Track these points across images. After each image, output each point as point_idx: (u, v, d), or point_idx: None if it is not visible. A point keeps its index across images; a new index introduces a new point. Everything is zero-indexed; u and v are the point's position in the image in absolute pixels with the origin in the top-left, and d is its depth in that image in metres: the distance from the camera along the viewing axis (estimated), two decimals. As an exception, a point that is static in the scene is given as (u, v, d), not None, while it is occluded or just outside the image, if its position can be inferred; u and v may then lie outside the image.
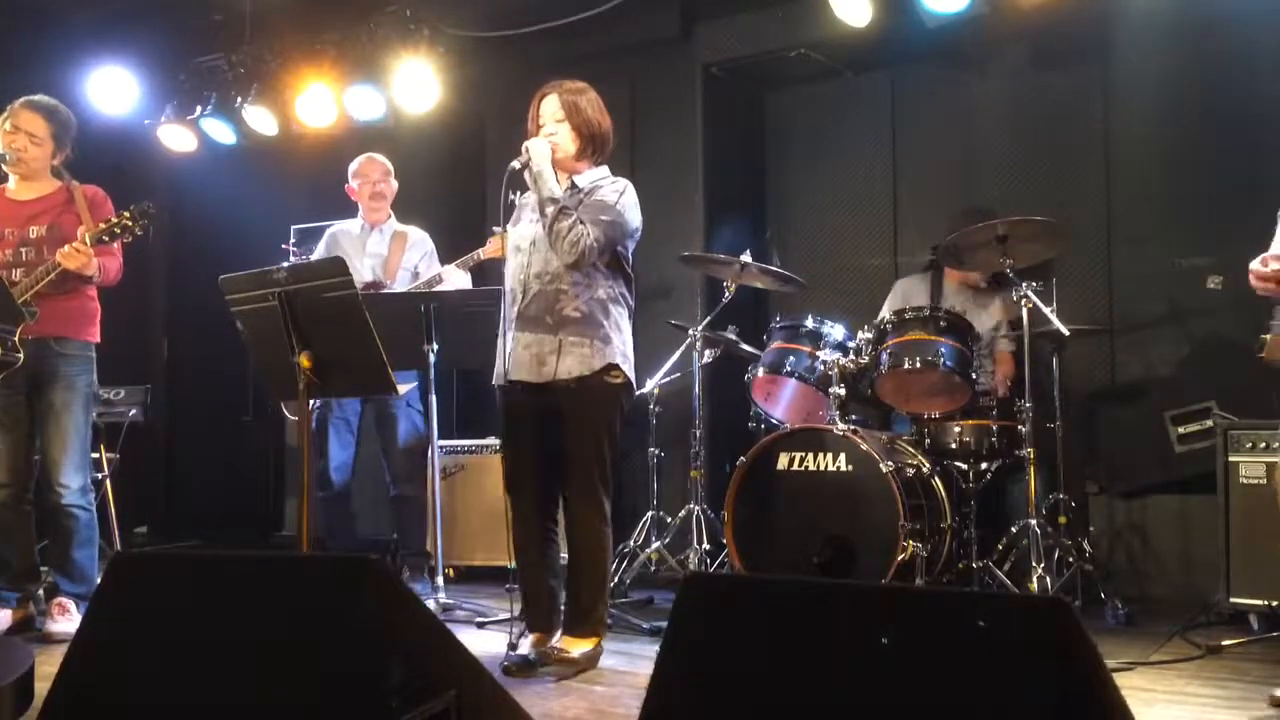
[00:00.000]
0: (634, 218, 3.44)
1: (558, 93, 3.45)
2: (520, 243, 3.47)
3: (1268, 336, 2.74)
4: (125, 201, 4.17)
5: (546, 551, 3.47)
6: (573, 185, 3.46)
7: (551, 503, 3.49)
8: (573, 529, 3.41)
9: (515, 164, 3.38)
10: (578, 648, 3.35)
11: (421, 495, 4.79)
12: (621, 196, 3.41)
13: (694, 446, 4.71)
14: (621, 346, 3.41)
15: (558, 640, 3.40)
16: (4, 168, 4.12)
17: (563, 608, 3.47)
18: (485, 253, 4.54)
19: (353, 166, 5.01)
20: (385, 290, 4.72)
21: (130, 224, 3.90)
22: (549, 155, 3.39)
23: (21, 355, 3.88)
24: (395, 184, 5.03)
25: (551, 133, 3.42)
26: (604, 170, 3.54)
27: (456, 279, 4.65)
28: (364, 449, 4.98)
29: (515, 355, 3.38)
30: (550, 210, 3.30)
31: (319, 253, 4.97)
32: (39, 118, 4.11)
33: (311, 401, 4.78)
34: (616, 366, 3.37)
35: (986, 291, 4.78)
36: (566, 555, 3.51)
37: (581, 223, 3.28)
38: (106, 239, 3.90)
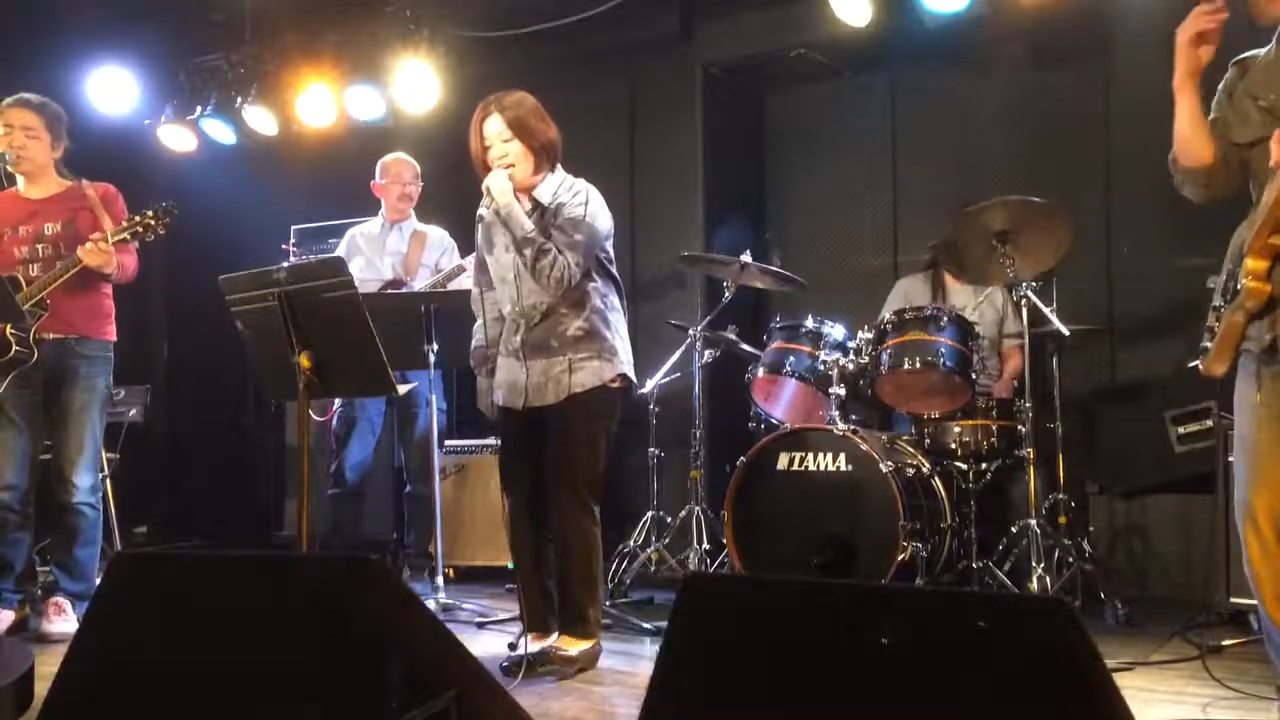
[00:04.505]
0: (604, 223, 3.42)
1: (498, 110, 3.33)
2: (505, 274, 3.44)
3: (1209, 345, 2.52)
4: (130, 202, 4.17)
5: (543, 553, 3.47)
6: (535, 204, 3.38)
7: (547, 504, 3.49)
8: (561, 529, 3.39)
9: (483, 212, 3.37)
10: (575, 647, 3.35)
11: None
12: (587, 207, 3.36)
13: (694, 446, 4.72)
14: (626, 356, 3.45)
15: (555, 640, 3.40)
16: (8, 169, 4.10)
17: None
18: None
19: (384, 163, 5.01)
20: (406, 287, 4.73)
21: (153, 223, 3.89)
22: (510, 189, 3.33)
23: (35, 355, 3.88)
24: (420, 185, 5.04)
25: (502, 154, 3.33)
26: (560, 176, 3.45)
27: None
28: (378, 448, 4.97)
29: (532, 383, 3.38)
30: (529, 251, 3.28)
31: (338, 254, 4.96)
32: (29, 112, 4.09)
33: (336, 401, 4.81)
34: (624, 374, 3.43)
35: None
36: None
37: (560, 253, 3.27)
38: (129, 238, 3.89)
